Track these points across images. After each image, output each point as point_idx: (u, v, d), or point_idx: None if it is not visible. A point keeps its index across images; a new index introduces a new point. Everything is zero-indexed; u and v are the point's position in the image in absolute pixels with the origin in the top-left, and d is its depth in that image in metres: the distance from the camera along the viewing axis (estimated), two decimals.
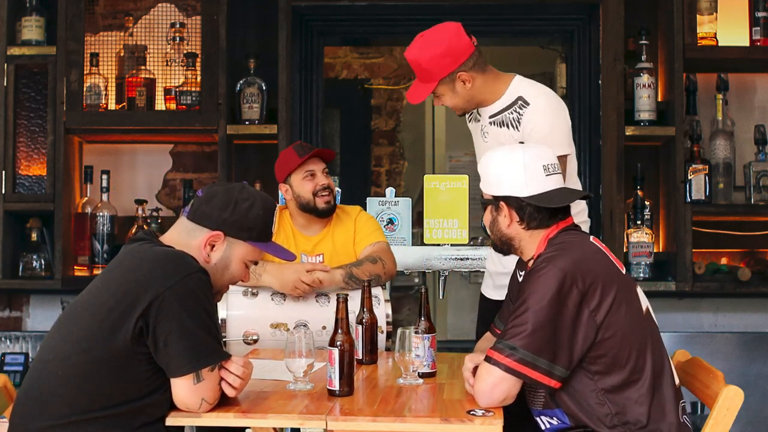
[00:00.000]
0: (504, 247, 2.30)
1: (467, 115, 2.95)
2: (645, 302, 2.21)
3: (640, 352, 2.10)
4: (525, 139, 2.68)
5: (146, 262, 2.04)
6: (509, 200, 2.22)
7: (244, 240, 2.16)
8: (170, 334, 1.95)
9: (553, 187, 2.22)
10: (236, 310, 2.87)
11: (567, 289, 2.06)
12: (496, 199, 2.25)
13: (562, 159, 2.60)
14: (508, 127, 2.75)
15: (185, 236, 2.12)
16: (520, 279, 2.39)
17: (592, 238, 2.26)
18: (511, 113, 2.74)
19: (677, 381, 2.21)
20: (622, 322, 2.09)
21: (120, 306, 1.96)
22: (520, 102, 2.73)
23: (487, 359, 2.07)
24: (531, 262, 2.25)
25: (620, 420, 2.08)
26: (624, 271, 2.22)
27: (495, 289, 2.95)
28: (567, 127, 2.74)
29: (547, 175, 2.21)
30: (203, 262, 2.11)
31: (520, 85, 2.77)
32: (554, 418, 2.18)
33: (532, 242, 2.24)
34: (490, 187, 2.27)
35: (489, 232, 2.34)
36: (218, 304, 2.82)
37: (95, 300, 2.02)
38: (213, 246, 2.13)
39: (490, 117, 2.79)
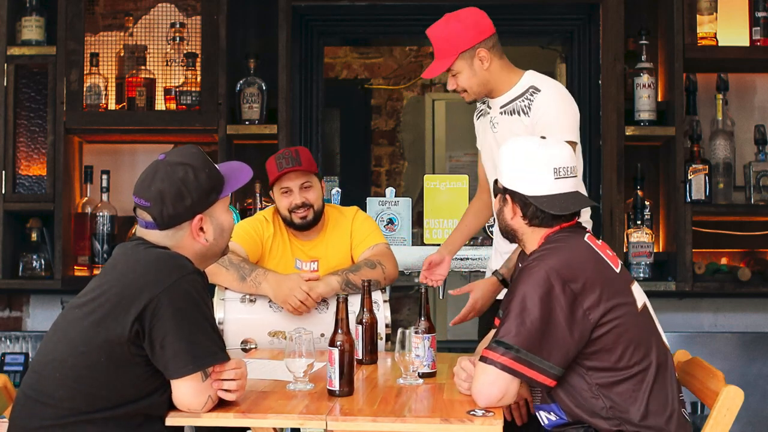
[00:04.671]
0: (508, 236, 2.33)
1: (476, 113, 2.97)
2: (642, 299, 2.21)
3: (635, 349, 2.11)
4: (534, 124, 2.71)
5: (140, 265, 2.04)
6: (514, 195, 2.24)
7: (216, 201, 2.14)
8: (166, 337, 1.94)
9: (560, 191, 2.21)
10: (234, 318, 2.83)
11: (558, 289, 2.06)
12: (504, 190, 2.27)
13: (571, 146, 2.61)
14: (519, 114, 2.77)
15: (170, 242, 2.10)
16: None
17: (586, 236, 2.25)
18: (522, 101, 2.76)
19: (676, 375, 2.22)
20: (617, 320, 2.09)
21: (115, 309, 1.96)
22: (531, 90, 2.76)
23: (483, 359, 2.07)
24: None
25: (615, 413, 2.09)
26: (619, 269, 2.21)
27: None
28: (575, 117, 2.75)
29: (556, 178, 2.20)
30: (202, 247, 2.11)
31: (532, 77, 2.80)
32: (552, 413, 2.19)
33: (534, 237, 2.25)
34: (501, 177, 2.29)
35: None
36: (215, 309, 2.80)
37: (91, 303, 2.01)
38: (202, 228, 2.12)
39: (501, 107, 2.81)
